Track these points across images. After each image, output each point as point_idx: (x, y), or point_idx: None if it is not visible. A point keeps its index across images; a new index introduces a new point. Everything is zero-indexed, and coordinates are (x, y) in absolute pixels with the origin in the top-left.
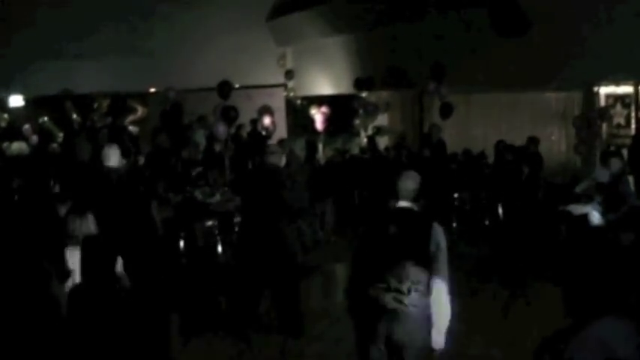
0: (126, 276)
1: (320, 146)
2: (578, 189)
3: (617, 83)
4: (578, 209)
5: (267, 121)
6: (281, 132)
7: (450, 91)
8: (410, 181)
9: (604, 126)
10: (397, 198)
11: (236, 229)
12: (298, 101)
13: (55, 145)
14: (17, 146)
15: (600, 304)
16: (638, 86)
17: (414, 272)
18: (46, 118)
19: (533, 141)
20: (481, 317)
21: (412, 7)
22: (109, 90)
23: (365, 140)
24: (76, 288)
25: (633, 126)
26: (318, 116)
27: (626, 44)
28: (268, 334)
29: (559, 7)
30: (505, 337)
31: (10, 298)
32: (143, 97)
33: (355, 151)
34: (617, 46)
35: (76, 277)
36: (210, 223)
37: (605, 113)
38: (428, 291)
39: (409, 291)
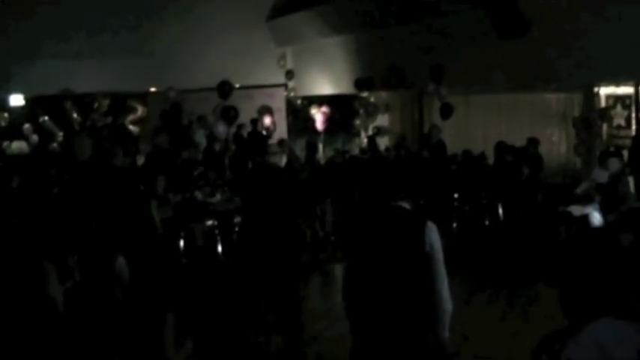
0: (126, 267)
1: (320, 146)
2: (578, 190)
3: (618, 84)
4: (578, 210)
5: (267, 121)
6: (281, 132)
7: (450, 91)
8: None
9: (604, 127)
10: (389, 197)
11: (236, 229)
12: (298, 101)
13: (55, 145)
14: (17, 145)
15: (598, 305)
16: (638, 87)
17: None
18: (46, 118)
19: (533, 142)
20: (481, 318)
21: (412, 7)
22: (109, 89)
23: (365, 140)
24: (71, 287)
25: (634, 127)
26: (319, 116)
27: (626, 45)
28: (268, 334)
29: (559, 8)
30: (505, 337)
31: (7, 298)
32: (143, 97)
33: (355, 151)
34: (617, 47)
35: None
36: (210, 223)
37: (605, 114)
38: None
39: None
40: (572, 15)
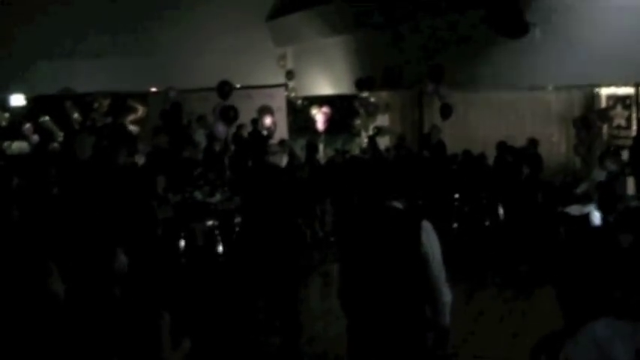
0: (125, 265)
1: (320, 146)
2: (578, 190)
3: (618, 84)
4: (578, 210)
5: (268, 121)
6: (282, 132)
7: (450, 91)
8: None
9: (604, 127)
10: (381, 197)
11: (236, 229)
12: (299, 101)
13: (55, 145)
14: (18, 145)
15: (597, 305)
16: (638, 87)
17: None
18: (46, 118)
19: (533, 142)
20: (481, 318)
21: (412, 7)
22: (110, 89)
23: (365, 141)
24: (70, 286)
25: (634, 127)
26: (320, 116)
27: (626, 45)
28: (268, 334)
29: (559, 8)
30: (504, 338)
31: (7, 296)
32: (143, 97)
33: (356, 151)
34: (617, 47)
35: None
36: (210, 223)
37: (605, 114)
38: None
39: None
40: (572, 15)
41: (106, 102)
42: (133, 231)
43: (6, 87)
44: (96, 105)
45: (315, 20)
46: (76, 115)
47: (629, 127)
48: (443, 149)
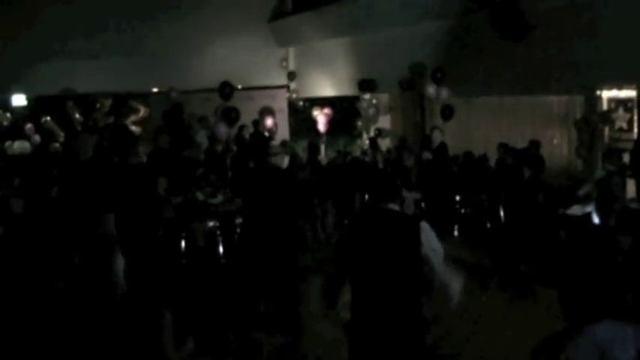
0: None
1: (322, 148)
2: (580, 192)
3: (620, 87)
4: (579, 210)
5: (269, 122)
6: (283, 133)
7: (452, 93)
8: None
9: (606, 129)
10: (378, 200)
11: (237, 230)
12: (300, 103)
13: (56, 145)
14: (19, 145)
15: (598, 307)
16: None
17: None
18: (48, 118)
19: (535, 143)
20: (482, 320)
21: (413, 9)
22: (111, 90)
23: (367, 142)
24: (72, 287)
25: (636, 130)
26: (321, 117)
27: (629, 48)
28: (268, 334)
29: (561, 9)
30: (506, 339)
31: (9, 296)
32: (145, 98)
33: (357, 153)
34: (619, 50)
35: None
36: (211, 223)
37: (606, 117)
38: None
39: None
40: (574, 17)
41: (108, 102)
42: (138, 231)
43: (8, 87)
44: (97, 105)
45: (318, 21)
46: (77, 116)
47: (630, 129)
48: (444, 151)
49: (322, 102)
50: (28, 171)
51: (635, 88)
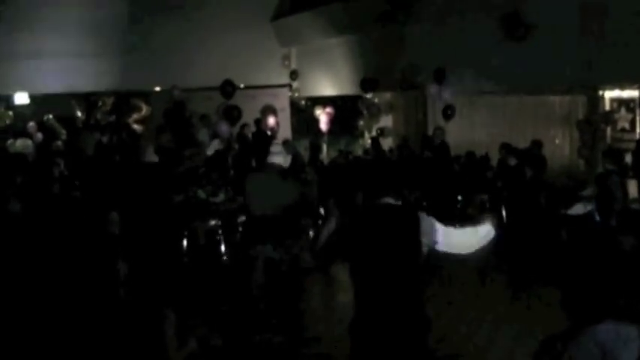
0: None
1: (324, 147)
2: (584, 193)
3: (622, 87)
4: (581, 209)
5: (271, 121)
6: (285, 132)
7: (454, 93)
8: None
9: (608, 130)
10: (374, 195)
11: (239, 228)
12: (302, 102)
13: (59, 143)
14: (21, 143)
15: (601, 307)
16: None
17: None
18: (50, 116)
19: (537, 143)
20: (483, 319)
21: (416, 8)
22: (114, 88)
23: (369, 141)
24: (76, 286)
25: (638, 130)
26: (323, 117)
27: (631, 48)
28: (270, 334)
29: (562, 10)
30: (507, 339)
31: (10, 294)
32: (147, 96)
33: (359, 152)
34: (622, 50)
35: None
36: (213, 222)
37: (609, 117)
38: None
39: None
40: (576, 18)
41: (110, 101)
42: (142, 231)
43: (10, 85)
44: (100, 104)
45: (320, 20)
46: (79, 114)
47: (633, 130)
48: (446, 151)
49: (324, 101)
50: (29, 169)
51: (638, 89)
